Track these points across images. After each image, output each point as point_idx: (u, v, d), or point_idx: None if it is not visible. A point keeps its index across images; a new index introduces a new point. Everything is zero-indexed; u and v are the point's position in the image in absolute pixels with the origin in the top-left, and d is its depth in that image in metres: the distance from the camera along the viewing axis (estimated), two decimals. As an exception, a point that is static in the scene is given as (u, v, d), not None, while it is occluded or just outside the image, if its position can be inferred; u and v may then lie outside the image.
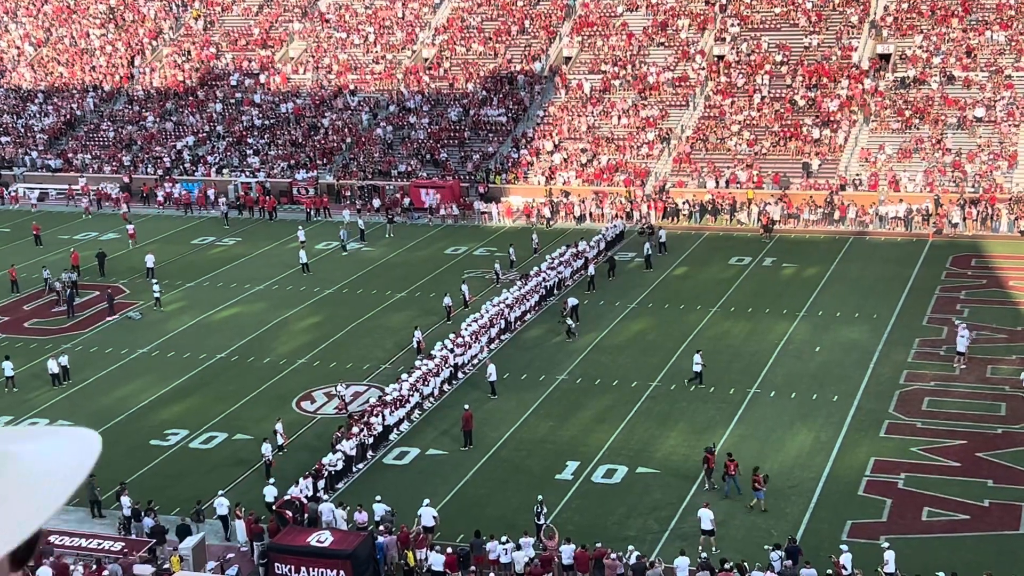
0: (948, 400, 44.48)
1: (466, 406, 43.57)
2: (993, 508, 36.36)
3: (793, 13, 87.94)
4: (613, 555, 33.09)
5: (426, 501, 36.44)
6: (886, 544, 32.92)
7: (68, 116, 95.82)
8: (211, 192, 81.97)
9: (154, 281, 61.71)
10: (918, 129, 76.08)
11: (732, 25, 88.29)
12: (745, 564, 32.38)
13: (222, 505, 37.16)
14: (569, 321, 52.64)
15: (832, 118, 78.11)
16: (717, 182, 74.91)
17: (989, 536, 34.84)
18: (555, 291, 58.49)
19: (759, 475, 37.04)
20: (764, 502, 36.91)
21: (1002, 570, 32.07)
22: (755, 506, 36.88)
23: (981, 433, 41.43)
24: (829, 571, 31.71)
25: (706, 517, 34.50)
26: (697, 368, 46.76)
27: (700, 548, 33.66)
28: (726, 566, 32.13)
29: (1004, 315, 53.60)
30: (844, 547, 32.81)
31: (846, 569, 31.83)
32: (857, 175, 73.56)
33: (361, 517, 36.26)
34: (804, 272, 61.63)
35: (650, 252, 63.42)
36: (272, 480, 38.91)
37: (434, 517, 35.74)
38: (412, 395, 44.74)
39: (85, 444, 3.37)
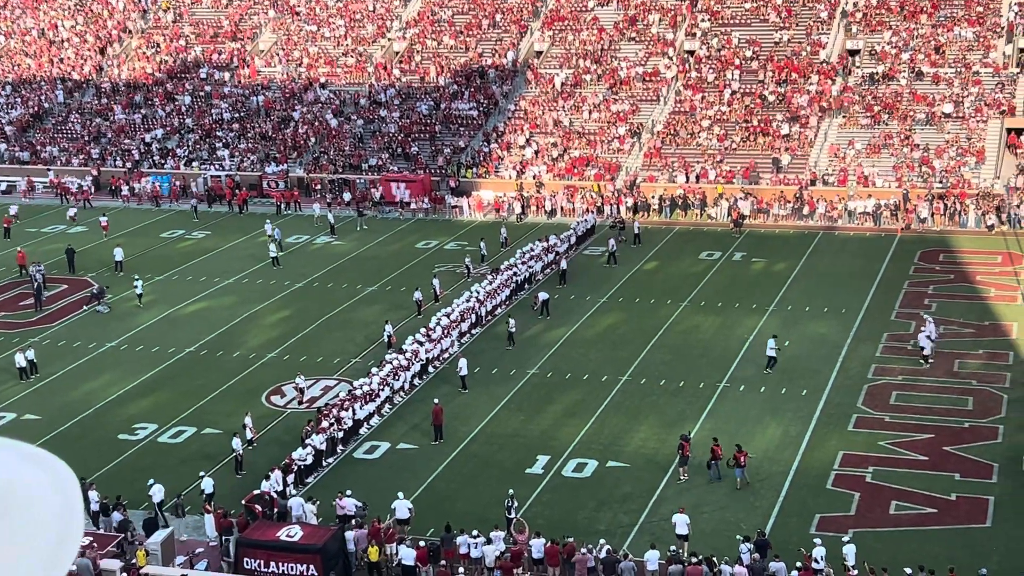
0: (916, 394, 44.79)
1: (436, 400, 43.54)
2: (960, 502, 36.65)
3: (763, 8, 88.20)
4: (583, 549, 33.14)
5: (400, 494, 36.41)
6: (846, 538, 33.13)
7: (36, 108, 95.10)
8: (181, 183, 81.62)
9: (135, 277, 60.84)
10: (887, 125, 76.48)
11: (703, 20, 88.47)
12: (714, 557, 32.52)
13: (159, 492, 37.17)
14: (511, 321, 52.30)
15: (801, 113, 78.40)
16: (687, 177, 75.09)
17: (956, 529, 35.11)
18: (526, 285, 58.50)
19: (743, 452, 37.55)
20: (744, 480, 37.31)
21: (969, 563, 32.28)
22: (738, 484, 37.56)
23: (948, 427, 41.75)
24: (798, 564, 31.85)
25: (681, 522, 34.36)
26: (771, 353, 47.12)
27: (674, 548, 33.76)
28: (694, 559, 32.24)
29: (971, 310, 53.98)
30: (818, 540, 32.97)
31: (818, 563, 31.99)
32: (826, 171, 73.89)
33: (344, 503, 36.09)
34: (773, 267, 61.88)
35: (615, 249, 63.32)
36: (203, 473, 38.58)
37: (409, 509, 35.70)
38: (382, 389, 44.67)
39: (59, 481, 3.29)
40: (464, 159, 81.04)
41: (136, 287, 59.25)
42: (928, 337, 47.85)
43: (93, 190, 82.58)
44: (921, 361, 47.47)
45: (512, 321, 52.07)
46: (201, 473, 38.84)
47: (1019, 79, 77.91)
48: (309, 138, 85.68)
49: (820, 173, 73.72)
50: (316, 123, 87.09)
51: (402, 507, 35.67)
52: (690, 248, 65.89)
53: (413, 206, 75.83)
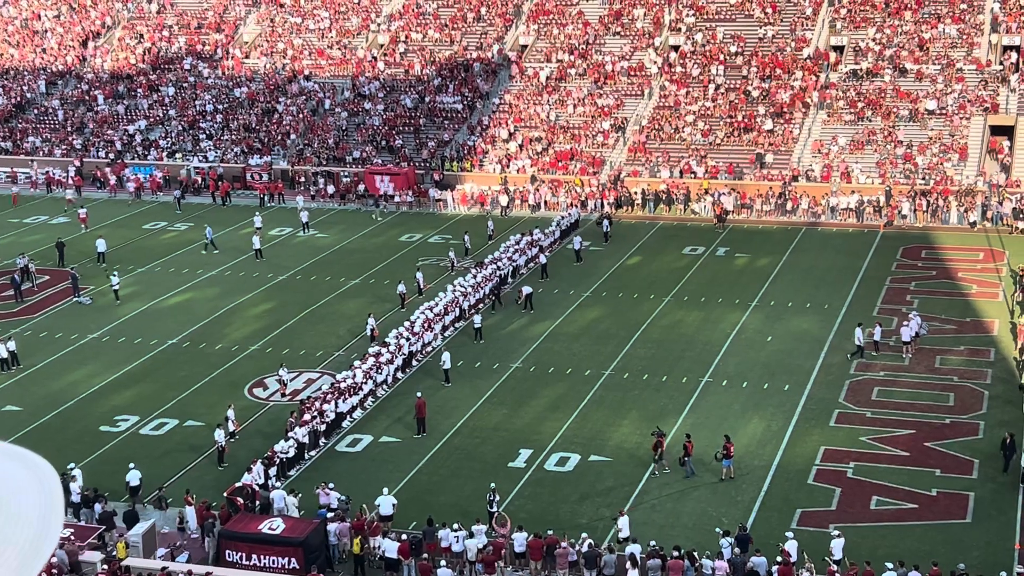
0: (897, 390, 44.95)
1: (419, 394, 43.53)
2: (940, 497, 36.82)
3: (748, 4, 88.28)
4: (565, 543, 33.18)
5: (385, 490, 36.39)
6: (836, 532, 33.23)
7: (18, 98, 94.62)
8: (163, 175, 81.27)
9: (111, 273, 60.14)
10: (870, 121, 76.68)
11: (687, 15, 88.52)
12: (695, 552, 32.59)
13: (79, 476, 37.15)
14: (476, 318, 52.35)
15: (786, 109, 78.54)
16: (671, 172, 75.15)
17: (936, 525, 35.28)
18: (509, 279, 58.47)
19: (730, 444, 37.81)
20: (731, 470, 37.55)
21: (948, 558, 32.45)
22: (724, 474, 37.84)
23: (929, 423, 41.91)
24: (779, 559, 31.97)
25: (624, 524, 34.16)
26: (859, 342, 47.47)
27: (655, 542, 33.73)
28: (675, 553, 32.32)
29: (953, 306, 54.18)
30: (789, 534, 33.12)
31: (792, 557, 32.12)
32: (809, 167, 74.03)
33: (329, 493, 36.05)
34: (756, 262, 61.98)
35: (582, 247, 63.04)
36: (133, 465, 38.29)
37: (393, 506, 35.64)
38: (365, 382, 44.64)
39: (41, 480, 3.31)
40: (448, 152, 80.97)
41: (113, 283, 58.62)
42: (873, 333, 48.46)
43: (79, 180, 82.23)
44: (871, 351, 48.04)
45: (478, 318, 52.10)
46: (131, 465, 38.40)
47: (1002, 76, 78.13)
48: (292, 131, 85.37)
49: (803, 169, 73.88)
50: (300, 115, 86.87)
51: (386, 503, 35.63)
52: (673, 243, 65.95)
53: (397, 199, 75.73)
